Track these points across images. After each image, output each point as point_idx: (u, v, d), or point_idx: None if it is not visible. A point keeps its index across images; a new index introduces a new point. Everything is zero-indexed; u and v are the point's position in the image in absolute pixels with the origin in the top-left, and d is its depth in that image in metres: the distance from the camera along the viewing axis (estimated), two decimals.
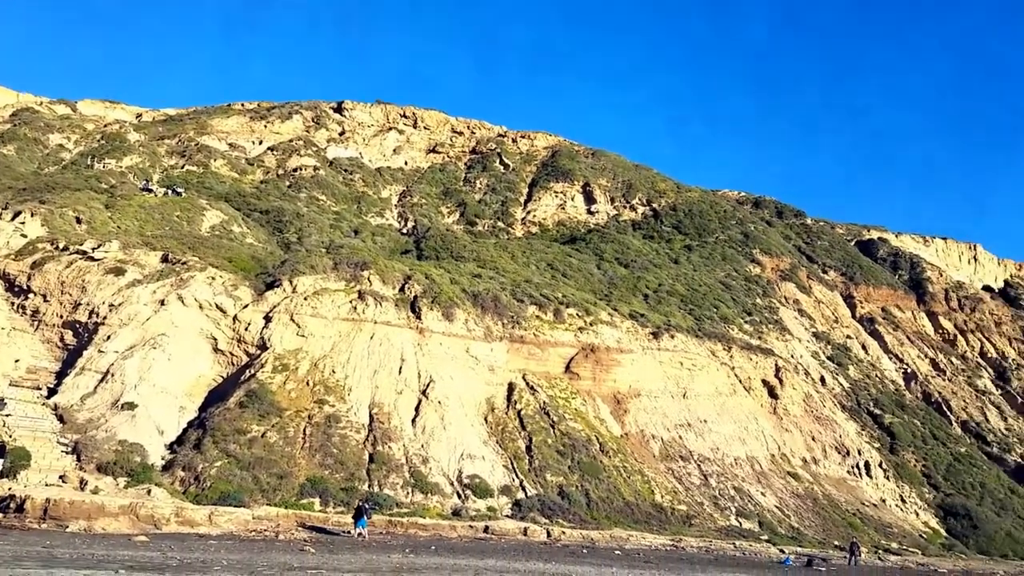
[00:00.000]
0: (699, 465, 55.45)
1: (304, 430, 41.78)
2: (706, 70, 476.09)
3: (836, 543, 51.92)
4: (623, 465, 50.64)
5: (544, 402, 53.00)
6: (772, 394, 67.86)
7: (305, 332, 47.90)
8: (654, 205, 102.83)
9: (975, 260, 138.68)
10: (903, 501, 65.98)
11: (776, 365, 70.60)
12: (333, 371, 46.56)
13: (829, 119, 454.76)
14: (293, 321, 48.20)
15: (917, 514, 65.01)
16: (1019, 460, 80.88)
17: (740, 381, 66.32)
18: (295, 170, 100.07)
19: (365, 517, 32.86)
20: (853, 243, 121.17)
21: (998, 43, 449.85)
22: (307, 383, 45.05)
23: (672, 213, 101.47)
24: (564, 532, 40.63)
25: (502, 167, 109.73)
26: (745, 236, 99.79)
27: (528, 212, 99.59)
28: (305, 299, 49.67)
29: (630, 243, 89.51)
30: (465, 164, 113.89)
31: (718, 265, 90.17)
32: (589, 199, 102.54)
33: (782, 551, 45.35)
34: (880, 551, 52.42)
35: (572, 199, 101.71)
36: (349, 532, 33.15)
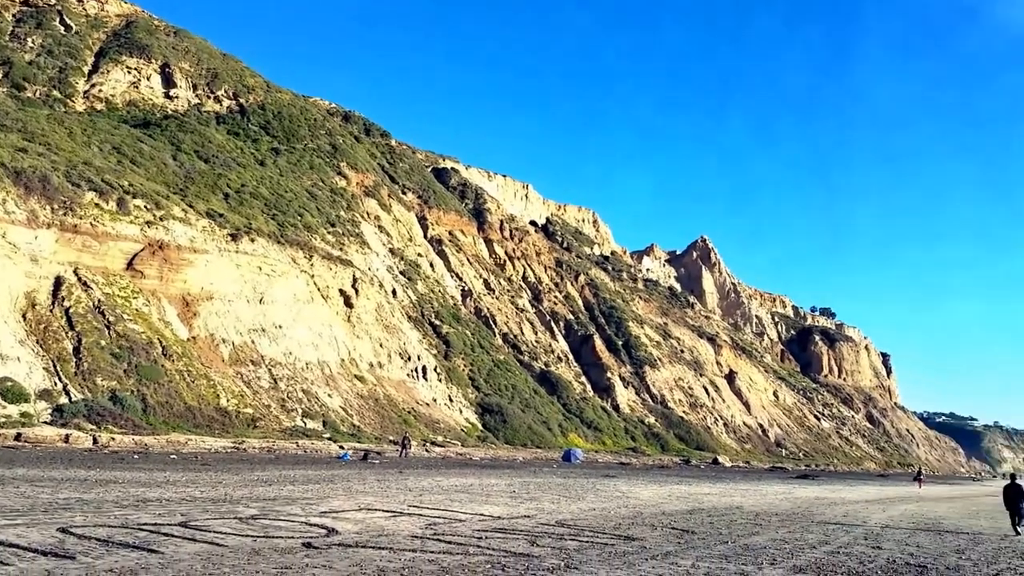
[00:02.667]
0: (270, 369, 55.38)
1: None
2: None
3: (391, 438, 56.71)
4: (187, 369, 48.16)
5: (99, 300, 47.42)
6: (348, 303, 70.39)
7: None
8: (241, 100, 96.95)
9: (527, 198, 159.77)
10: (451, 401, 74.54)
11: (354, 276, 73.21)
12: None
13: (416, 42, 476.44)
14: None
15: (461, 411, 74.08)
16: (543, 367, 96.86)
17: (319, 289, 67.36)
18: None
19: None
20: (430, 169, 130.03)
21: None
22: None
23: (261, 112, 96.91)
24: (114, 438, 37.42)
25: (63, 28, 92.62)
26: (334, 148, 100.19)
27: (93, 85, 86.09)
28: None
29: (213, 137, 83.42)
30: (14, 16, 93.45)
31: (305, 173, 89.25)
32: (168, 82, 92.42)
33: (341, 447, 48.04)
34: (428, 444, 58.75)
35: (148, 79, 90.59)
36: None
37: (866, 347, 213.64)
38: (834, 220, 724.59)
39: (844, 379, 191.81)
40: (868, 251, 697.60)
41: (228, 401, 48.66)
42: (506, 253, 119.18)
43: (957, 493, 53.01)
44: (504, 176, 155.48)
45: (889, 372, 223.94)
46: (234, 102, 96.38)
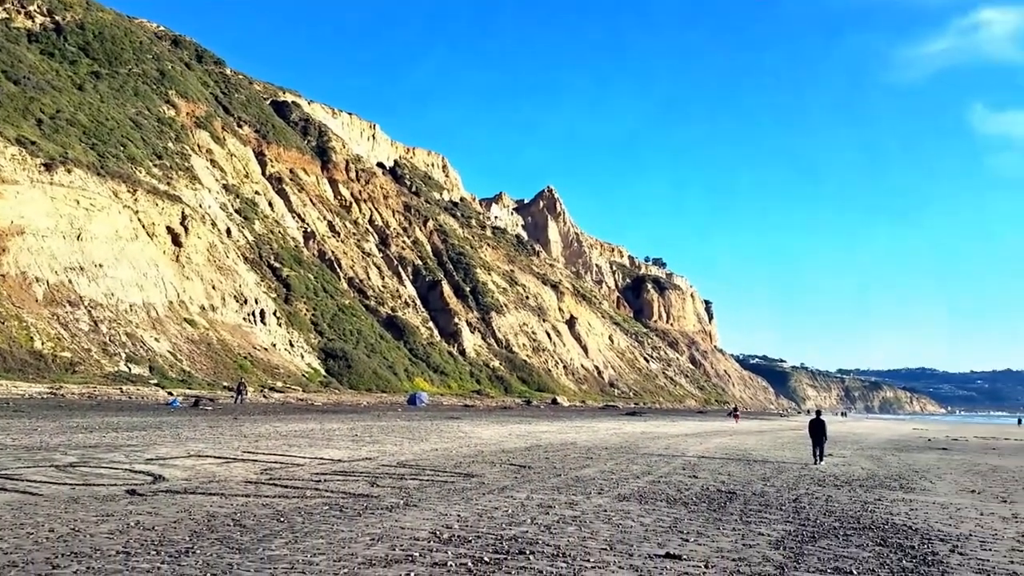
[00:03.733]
0: (90, 311, 51.28)
1: None
2: None
3: (225, 384, 54.53)
4: None
5: None
6: (176, 242, 66.11)
7: None
8: (57, 18, 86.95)
9: (374, 138, 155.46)
10: (292, 345, 72.50)
11: (183, 213, 68.70)
12: None
13: None
14: None
15: (303, 356, 72.30)
16: (390, 312, 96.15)
17: (144, 226, 62.73)
18: None
19: None
20: (269, 102, 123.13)
21: None
22: None
23: (79, 32, 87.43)
24: None
25: None
26: (161, 74, 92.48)
27: None
28: None
29: (24, 56, 74.42)
30: None
31: (129, 100, 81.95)
32: None
33: (170, 394, 45.66)
34: (266, 390, 57.02)
35: None
36: None
37: (692, 295, 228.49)
38: (672, 175, 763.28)
39: (672, 324, 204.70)
40: (702, 205, 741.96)
41: (43, 344, 44.73)
42: (352, 195, 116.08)
43: (767, 427, 58.48)
44: (350, 114, 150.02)
45: (711, 318, 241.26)
46: (49, 19, 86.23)
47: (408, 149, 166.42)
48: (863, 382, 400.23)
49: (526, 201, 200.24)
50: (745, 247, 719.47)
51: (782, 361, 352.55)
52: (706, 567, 7.98)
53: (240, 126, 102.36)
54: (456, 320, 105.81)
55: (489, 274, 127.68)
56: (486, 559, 7.86)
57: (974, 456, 29.83)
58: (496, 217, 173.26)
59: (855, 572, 8.05)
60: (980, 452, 32.83)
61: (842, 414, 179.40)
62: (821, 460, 23.43)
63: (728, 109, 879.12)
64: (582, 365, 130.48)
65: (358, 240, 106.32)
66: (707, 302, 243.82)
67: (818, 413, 25.42)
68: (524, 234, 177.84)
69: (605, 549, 8.65)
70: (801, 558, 8.67)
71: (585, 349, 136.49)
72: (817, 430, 23.58)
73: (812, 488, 16.23)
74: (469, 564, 7.63)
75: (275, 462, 16.30)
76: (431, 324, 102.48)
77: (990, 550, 9.66)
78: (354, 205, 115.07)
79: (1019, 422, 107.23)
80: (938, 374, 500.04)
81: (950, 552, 9.42)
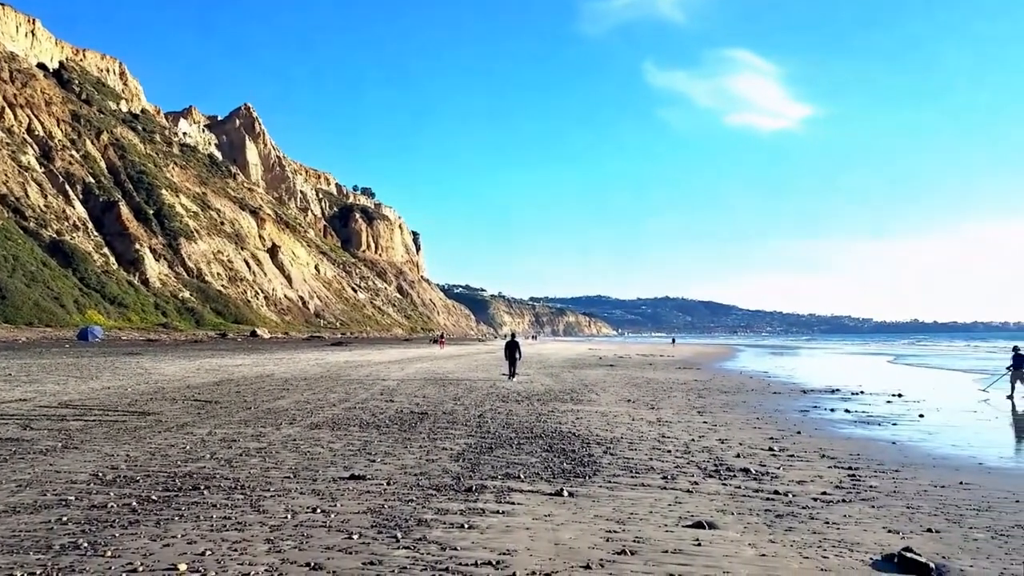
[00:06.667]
0: None
1: None
2: None
3: None
4: None
5: None
6: None
7: None
8: None
9: (33, 35, 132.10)
10: None
11: None
12: None
13: None
14: None
15: None
16: (55, 236, 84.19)
17: None
18: None
19: None
20: None
21: None
22: None
23: None
24: None
25: None
26: None
27: None
28: None
29: None
30: None
31: None
32: None
33: None
34: None
35: None
36: None
37: (400, 226, 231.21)
38: (380, 99, 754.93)
39: (380, 254, 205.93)
40: (409, 133, 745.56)
41: None
42: (5, 99, 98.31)
43: (466, 352, 61.62)
44: (3, 4, 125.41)
45: (418, 248, 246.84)
46: None
47: (77, 50, 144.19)
48: (551, 308, 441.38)
49: (220, 118, 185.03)
50: (448, 180, 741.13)
51: (483, 290, 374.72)
52: (388, 483, 8.18)
53: None
54: (137, 246, 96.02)
55: (177, 196, 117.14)
56: (154, 497, 7.29)
57: (634, 371, 34.23)
58: (185, 134, 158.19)
59: (522, 476, 8.80)
60: (639, 367, 37.79)
61: (532, 337, 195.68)
62: (515, 376, 26.17)
63: (434, 39, 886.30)
64: (286, 296, 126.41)
65: (13, 152, 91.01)
66: (415, 233, 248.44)
67: (512, 336, 27.66)
68: (219, 154, 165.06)
69: (288, 477, 8.48)
70: (477, 467, 9.27)
71: (289, 279, 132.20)
72: (511, 351, 26.25)
73: (496, 404, 17.45)
74: (134, 504, 7.02)
75: None
76: (107, 250, 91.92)
77: (636, 449, 11.14)
78: (7, 111, 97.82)
79: (672, 341, 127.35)
80: (611, 300, 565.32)
81: (603, 453, 10.69)
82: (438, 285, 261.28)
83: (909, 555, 5.76)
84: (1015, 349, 23.08)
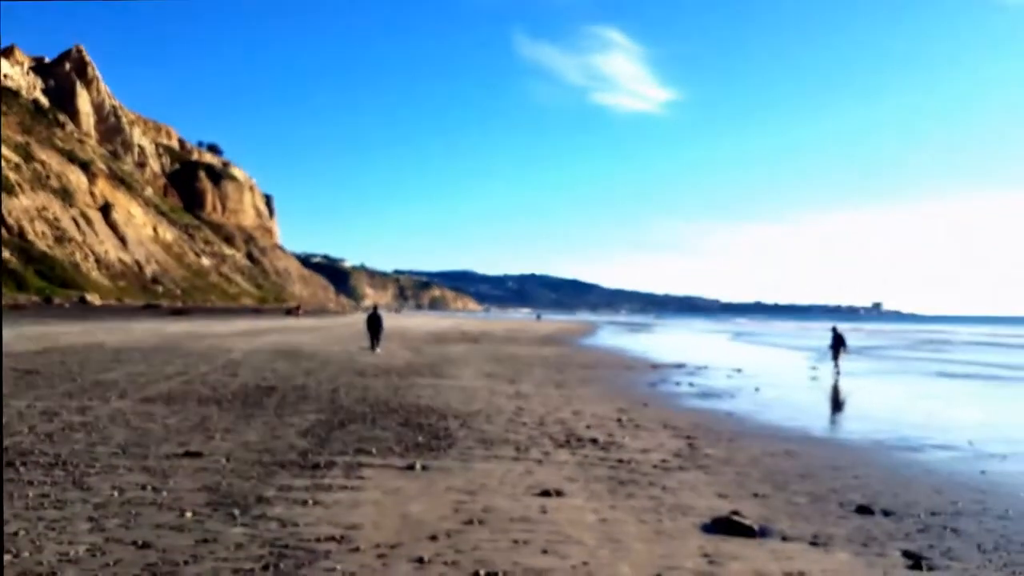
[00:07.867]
0: None
1: None
2: None
3: None
4: None
5: None
6: None
7: None
8: None
9: None
10: None
11: None
12: None
13: None
14: None
15: None
16: None
17: None
18: None
19: None
20: None
21: None
22: None
23: None
24: None
25: None
26: None
27: None
28: None
29: None
30: None
31: None
32: None
33: None
34: None
35: None
36: None
37: (251, 188, 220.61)
38: (230, 47, 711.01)
39: (228, 218, 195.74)
40: (262, 85, 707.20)
41: None
42: None
43: (324, 325, 59.88)
44: None
45: (272, 213, 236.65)
46: None
47: None
48: (416, 281, 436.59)
49: (47, 61, 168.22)
50: (306, 139, 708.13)
51: (343, 260, 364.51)
52: (227, 460, 7.78)
53: None
54: None
55: None
56: None
57: (498, 346, 34.58)
58: (6, 76, 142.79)
59: (374, 451, 8.64)
60: (503, 343, 38.24)
61: (396, 311, 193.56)
62: (378, 348, 26.18)
63: None
64: (120, 259, 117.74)
65: None
66: (268, 196, 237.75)
67: (375, 309, 27.49)
68: (45, 101, 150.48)
69: (116, 453, 7.89)
70: (326, 443, 9.01)
71: (123, 241, 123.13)
72: (374, 324, 26.44)
73: (352, 379, 17.04)
74: None
75: None
76: None
77: (492, 423, 11.23)
78: None
79: (537, 318, 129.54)
80: (478, 276, 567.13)
81: (460, 427, 10.71)
82: (294, 253, 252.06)
83: (736, 518, 6.18)
84: (833, 329, 25.53)
